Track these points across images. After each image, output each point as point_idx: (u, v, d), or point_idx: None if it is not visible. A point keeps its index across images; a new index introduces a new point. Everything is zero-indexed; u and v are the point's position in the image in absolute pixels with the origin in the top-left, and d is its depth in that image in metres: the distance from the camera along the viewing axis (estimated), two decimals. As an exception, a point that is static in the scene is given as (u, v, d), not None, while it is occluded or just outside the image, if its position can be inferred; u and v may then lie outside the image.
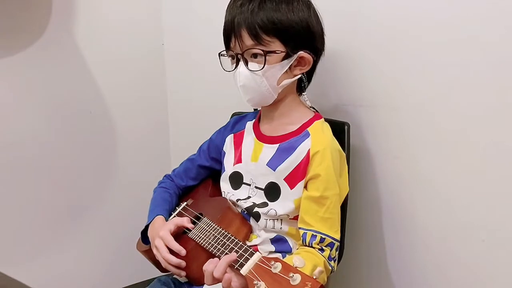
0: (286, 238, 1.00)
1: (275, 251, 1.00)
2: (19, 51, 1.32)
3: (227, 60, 1.02)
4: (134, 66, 1.56)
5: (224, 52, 1.01)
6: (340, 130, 1.06)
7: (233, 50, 0.98)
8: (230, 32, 0.97)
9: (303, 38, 0.97)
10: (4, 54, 1.30)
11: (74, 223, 1.49)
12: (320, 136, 0.98)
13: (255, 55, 0.96)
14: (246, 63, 0.97)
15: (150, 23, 1.59)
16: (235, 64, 0.99)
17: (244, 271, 0.75)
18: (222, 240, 0.89)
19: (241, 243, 0.84)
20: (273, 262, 0.73)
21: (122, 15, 1.52)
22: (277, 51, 0.95)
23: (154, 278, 1.09)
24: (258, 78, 0.96)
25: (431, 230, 1.03)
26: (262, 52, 0.94)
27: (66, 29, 1.40)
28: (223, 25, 0.99)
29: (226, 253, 0.84)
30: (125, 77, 1.55)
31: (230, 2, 0.99)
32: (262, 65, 0.95)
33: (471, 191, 0.94)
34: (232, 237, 0.87)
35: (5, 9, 1.28)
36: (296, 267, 0.71)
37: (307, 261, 0.76)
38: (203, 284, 0.97)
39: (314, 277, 0.68)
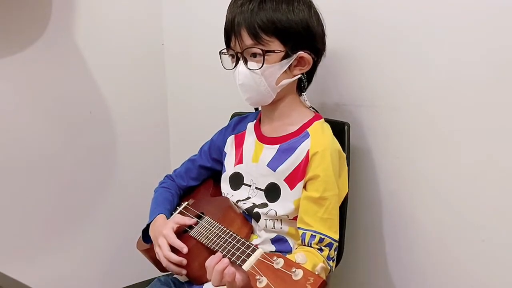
0: (287, 238, 1.01)
1: (276, 251, 1.00)
2: (19, 51, 1.32)
3: (227, 58, 1.02)
4: (134, 66, 1.56)
5: (225, 51, 1.01)
6: (340, 130, 1.07)
7: (233, 49, 0.98)
8: (230, 31, 0.97)
9: (303, 38, 0.97)
10: (4, 54, 1.30)
11: (74, 223, 1.49)
12: (320, 137, 0.98)
13: (254, 54, 0.96)
14: (246, 62, 0.97)
15: (150, 23, 1.59)
16: (235, 63, 0.99)
17: (246, 266, 0.76)
18: (224, 238, 0.89)
19: (243, 239, 0.84)
20: (275, 258, 0.73)
21: (122, 15, 1.52)
22: (276, 51, 0.95)
23: (154, 278, 1.09)
24: (257, 77, 0.96)
25: (431, 230, 1.03)
26: (261, 52, 0.94)
27: (66, 29, 1.40)
28: (224, 24, 1.00)
29: (229, 249, 0.84)
30: (125, 77, 1.55)
31: (231, 1, 1.00)
32: (261, 64, 0.95)
33: (471, 191, 0.94)
34: (234, 234, 0.88)
35: (5, 9, 1.28)
36: (298, 263, 0.71)
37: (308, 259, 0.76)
38: (203, 283, 0.97)
39: (316, 273, 0.68)
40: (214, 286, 0.81)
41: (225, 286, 0.82)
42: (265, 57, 0.95)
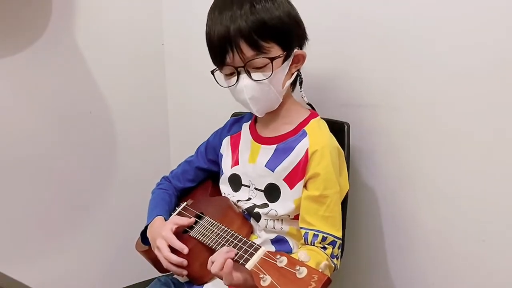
0: (287, 238, 1.00)
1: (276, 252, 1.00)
2: (19, 51, 1.32)
3: (221, 75, 0.99)
4: (134, 66, 1.56)
5: (217, 69, 0.97)
6: (340, 130, 1.06)
7: (231, 64, 0.93)
8: (225, 46, 0.91)
9: (295, 34, 0.96)
10: (4, 54, 1.30)
11: (74, 223, 1.49)
12: (318, 135, 0.98)
13: (256, 65, 0.92)
14: (249, 75, 0.94)
15: (150, 23, 1.59)
16: (235, 78, 0.95)
17: (249, 265, 0.75)
18: (226, 237, 0.88)
19: (245, 239, 0.83)
20: (278, 256, 0.73)
21: (122, 15, 1.52)
22: (280, 55, 0.94)
23: (154, 278, 1.09)
24: (265, 87, 0.95)
25: (431, 230, 1.03)
26: (268, 60, 0.92)
27: (66, 29, 1.40)
28: (210, 39, 0.93)
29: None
30: (125, 77, 1.55)
31: (213, 13, 0.94)
32: (269, 73, 0.93)
33: (471, 191, 0.94)
34: (236, 234, 0.87)
35: (5, 9, 1.28)
36: (302, 261, 0.70)
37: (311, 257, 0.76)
38: (204, 283, 0.97)
39: (320, 270, 0.68)
40: (212, 272, 0.81)
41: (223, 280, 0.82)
42: (273, 64, 0.92)
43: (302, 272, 0.68)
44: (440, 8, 0.94)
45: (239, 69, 0.93)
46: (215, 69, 0.98)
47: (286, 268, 0.70)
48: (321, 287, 0.66)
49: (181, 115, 1.66)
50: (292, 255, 0.74)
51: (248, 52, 0.91)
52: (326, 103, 1.16)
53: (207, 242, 0.93)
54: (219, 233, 0.91)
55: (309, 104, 1.07)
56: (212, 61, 0.96)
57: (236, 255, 0.80)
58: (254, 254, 0.77)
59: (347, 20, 1.11)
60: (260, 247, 0.78)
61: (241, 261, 0.78)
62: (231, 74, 0.96)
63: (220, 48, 0.92)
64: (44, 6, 1.35)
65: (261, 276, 0.71)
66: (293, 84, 1.04)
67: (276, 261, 0.72)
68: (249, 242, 0.81)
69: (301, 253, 0.73)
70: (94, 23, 1.45)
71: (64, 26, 1.39)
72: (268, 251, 0.76)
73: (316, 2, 1.01)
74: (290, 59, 0.96)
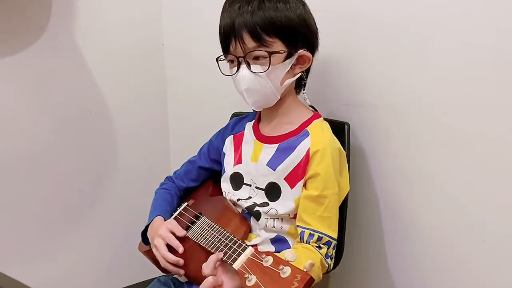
0: (286, 238, 1.00)
1: (275, 252, 1.00)
2: (19, 51, 1.32)
3: (225, 65, 1.01)
4: (134, 66, 1.57)
5: (222, 57, 1.00)
6: (340, 130, 1.07)
7: (234, 54, 0.97)
8: (229, 36, 0.95)
9: (302, 35, 0.97)
10: (4, 54, 1.30)
11: (74, 223, 1.49)
12: (320, 135, 0.99)
13: (257, 57, 0.95)
14: (249, 66, 0.96)
15: (150, 23, 1.60)
16: (236, 68, 0.98)
17: (236, 265, 0.76)
18: (218, 237, 0.89)
19: (235, 239, 0.84)
20: (264, 256, 0.74)
21: (122, 15, 1.52)
22: (280, 51, 0.95)
23: (154, 278, 1.09)
24: (262, 80, 0.96)
25: (431, 230, 1.03)
26: (267, 54, 0.94)
27: (66, 29, 1.40)
28: (219, 28, 0.98)
29: (221, 249, 0.84)
30: (125, 77, 1.55)
31: (225, 5, 0.98)
32: (267, 67, 0.94)
33: (471, 191, 0.94)
34: (227, 234, 0.88)
35: (5, 9, 1.28)
36: (287, 261, 0.71)
37: (301, 255, 0.76)
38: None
39: (305, 270, 0.69)
40: (206, 273, 0.82)
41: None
42: (271, 58, 0.94)
43: (286, 271, 0.69)
44: (439, 7, 0.94)
45: (240, 59, 0.96)
46: (219, 56, 1.00)
47: (271, 267, 0.71)
48: (304, 286, 0.67)
49: (181, 114, 1.67)
50: (279, 255, 0.74)
51: (249, 43, 0.94)
52: (327, 103, 1.17)
53: (202, 241, 0.93)
54: (213, 233, 0.92)
55: (312, 107, 1.07)
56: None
57: (225, 255, 0.81)
58: (242, 254, 0.78)
59: (347, 20, 1.11)
60: (248, 247, 0.79)
61: (229, 261, 0.79)
62: (234, 63, 0.98)
63: (225, 36, 0.96)
64: (44, 6, 1.35)
65: (247, 276, 0.72)
66: (298, 86, 1.05)
67: (262, 261, 0.73)
68: (239, 242, 0.82)
69: (287, 252, 0.74)
70: (94, 23, 1.45)
71: (64, 26, 1.39)
72: (255, 251, 0.77)
73: (317, 3, 1.01)
74: (294, 58, 0.97)
